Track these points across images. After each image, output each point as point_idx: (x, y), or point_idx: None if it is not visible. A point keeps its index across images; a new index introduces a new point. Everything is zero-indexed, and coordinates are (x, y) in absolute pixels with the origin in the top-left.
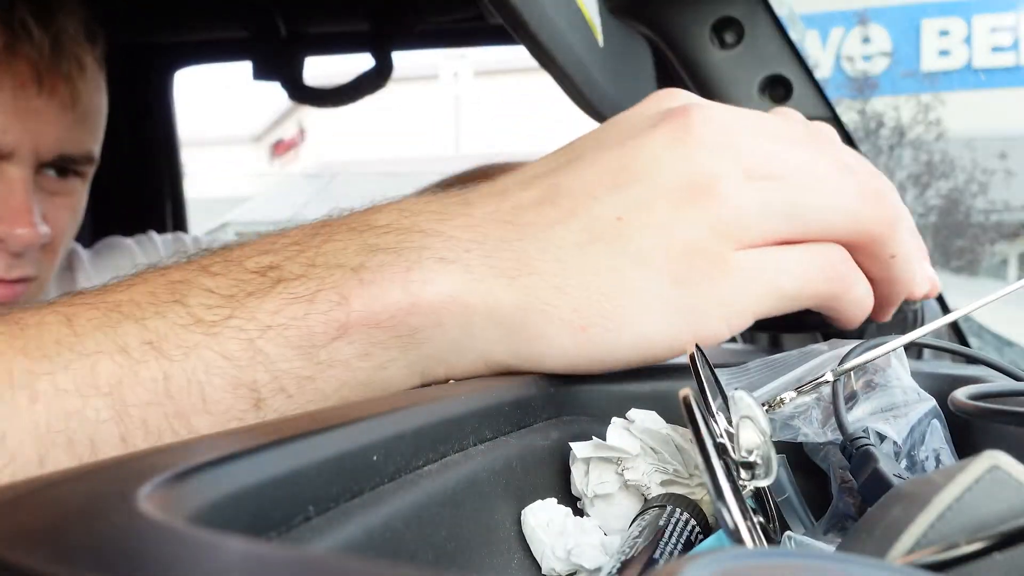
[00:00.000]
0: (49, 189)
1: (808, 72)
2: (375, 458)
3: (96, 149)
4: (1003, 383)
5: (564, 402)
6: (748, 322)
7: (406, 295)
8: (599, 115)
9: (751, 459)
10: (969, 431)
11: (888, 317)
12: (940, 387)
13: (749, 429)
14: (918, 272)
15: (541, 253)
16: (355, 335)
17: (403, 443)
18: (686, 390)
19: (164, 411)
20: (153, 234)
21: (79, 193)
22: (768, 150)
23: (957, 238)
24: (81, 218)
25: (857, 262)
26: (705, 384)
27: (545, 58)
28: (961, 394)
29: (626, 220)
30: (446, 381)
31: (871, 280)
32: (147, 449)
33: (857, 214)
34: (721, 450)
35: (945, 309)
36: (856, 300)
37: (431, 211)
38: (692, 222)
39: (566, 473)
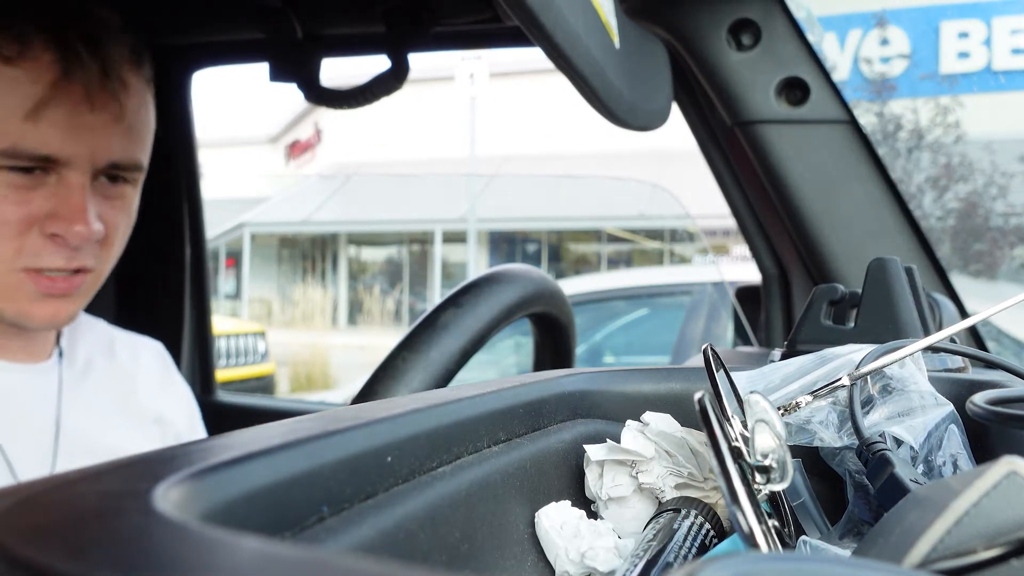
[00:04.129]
0: (103, 194)
1: (826, 74)
2: (389, 459)
3: (143, 159)
4: (1021, 388)
5: (578, 404)
6: None
7: None
8: (614, 117)
9: (766, 463)
10: (987, 436)
11: None
12: (958, 392)
13: (764, 433)
14: None
15: None
16: None
17: (417, 445)
18: (701, 393)
19: None
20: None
21: (130, 197)
22: None
23: (976, 242)
24: (134, 219)
25: None
26: (720, 387)
27: (560, 60)
28: (979, 399)
29: None
30: None
31: None
32: (162, 449)
33: None
34: (736, 454)
35: (963, 313)
36: None
37: None
38: None
39: (580, 475)
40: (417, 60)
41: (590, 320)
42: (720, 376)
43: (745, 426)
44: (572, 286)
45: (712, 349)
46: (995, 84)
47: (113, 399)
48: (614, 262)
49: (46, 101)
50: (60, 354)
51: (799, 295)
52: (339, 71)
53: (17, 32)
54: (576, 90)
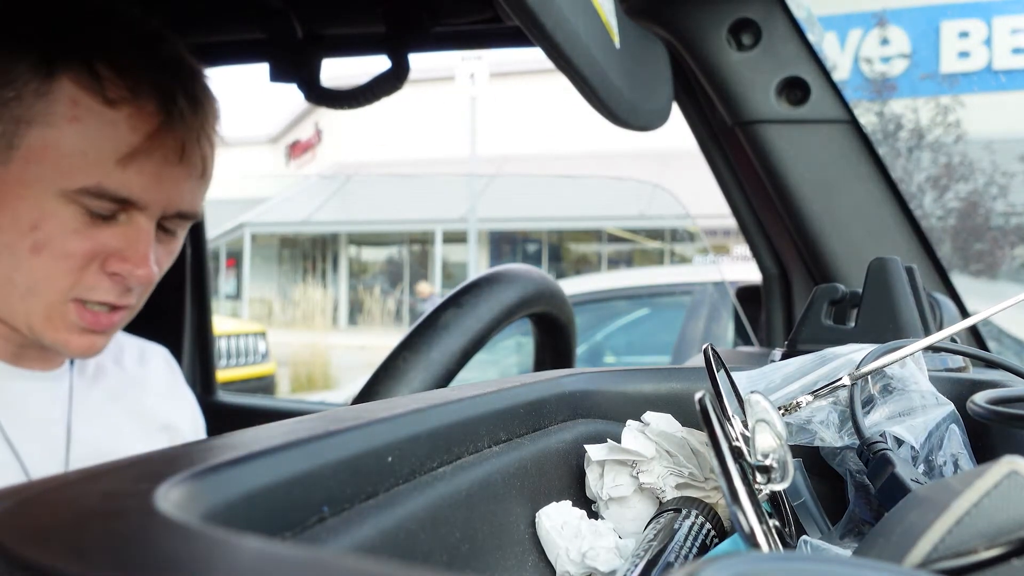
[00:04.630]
0: (159, 238)
1: (826, 74)
2: (390, 459)
3: (202, 208)
4: (1022, 388)
5: (579, 404)
6: None
7: None
8: (615, 117)
9: (767, 463)
10: (988, 436)
11: None
12: (958, 391)
13: (765, 433)
14: None
15: None
16: None
17: (417, 445)
18: (702, 393)
19: None
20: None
21: (180, 239)
22: None
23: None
24: (175, 259)
25: None
26: (721, 387)
27: (561, 60)
28: (980, 399)
29: None
30: None
31: None
32: (163, 449)
33: None
34: (737, 453)
35: (964, 313)
36: None
37: None
38: None
39: (581, 475)
40: (417, 60)
41: (591, 320)
42: (721, 376)
43: (746, 426)
44: (572, 286)
45: (713, 349)
46: (995, 84)
47: (122, 406)
48: (614, 262)
49: (141, 149)
50: (71, 362)
51: (800, 295)
52: (339, 71)
53: (128, 78)
54: (576, 90)
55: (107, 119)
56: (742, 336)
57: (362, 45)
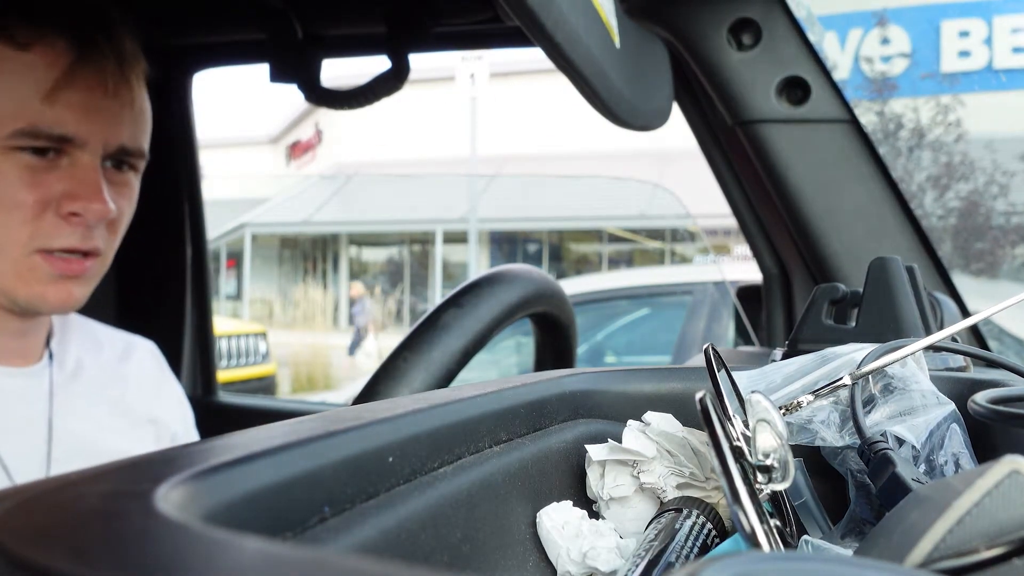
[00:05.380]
0: (110, 179)
1: (826, 73)
2: (390, 460)
3: (146, 147)
4: (1023, 387)
5: (580, 404)
6: None
7: None
8: (615, 117)
9: (768, 463)
10: (989, 435)
11: None
12: (960, 391)
13: (766, 432)
14: None
15: None
16: None
17: (418, 445)
18: (702, 393)
19: None
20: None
21: (133, 184)
22: None
23: (977, 241)
24: (135, 206)
25: None
26: (722, 387)
27: (561, 60)
28: (981, 398)
29: None
30: None
31: None
32: (163, 450)
33: None
34: (738, 453)
35: (965, 312)
36: None
37: None
38: None
39: (582, 475)
40: (417, 60)
41: (591, 320)
42: (721, 376)
43: (747, 426)
44: (573, 286)
45: (713, 349)
46: (996, 83)
47: (104, 400)
48: (615, 262)
49: (62, 84)
50: (51, 356)
51: (800, 294)
52: (339, 71)
53: (37, 22)
54: (576, 90)
55: (23, 62)
56: (743, 336)
57: (362, 45)
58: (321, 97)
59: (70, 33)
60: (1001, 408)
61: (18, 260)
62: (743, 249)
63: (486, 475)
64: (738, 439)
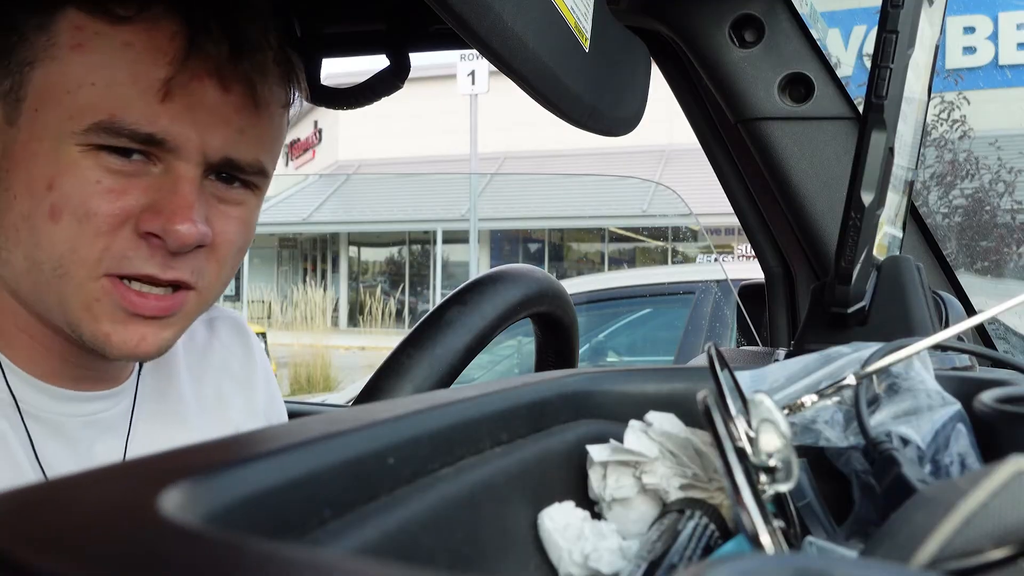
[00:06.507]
0: (216, 194)
1: (830, 70)
2: (391, 461)
3: (268, 164)
4: None
5: (581, 405)
6: None
7: None
8: (570, 119)
9: (772, 463)
10: (995, 435)
11: None
12: (965, 390)
13: (770, 433)
14: None
15: None
16: None
17: (419, 446)
18: (705, 393)
19: None
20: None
21: (249, 206)
22: None
23: (982, 239)
24: (251, 236)
25: None
26: (724, 387)
27: (499, 63)
28: (987, 397)
29: None
30: None
31: None
32: (166, 452)
33: None
34: (741, 454)
35: (970, 311)
36: None
37: None
38: None
39: (584, 476)
40: (418, 59)
41: (593, 320)
42: (724, 376)
43: (750, 426)
44: (575, 285)
45: (716, 348)
46: (1001, 79)
47: (194, 427)
48: (617, 261)
49: (159, 71)
50: (139, 373)
51: (803, 293)
52: (339, 70)
53: None
54: (523, 91)
55: (118, 41)
56: (746, 335)
57: (362, 43)
58: (320, 96)
59: (183, 9)
60: (1008, 408)
61: (83, 284)
62: (746, 247)
63: (487, 476)
64: (741, 440)
